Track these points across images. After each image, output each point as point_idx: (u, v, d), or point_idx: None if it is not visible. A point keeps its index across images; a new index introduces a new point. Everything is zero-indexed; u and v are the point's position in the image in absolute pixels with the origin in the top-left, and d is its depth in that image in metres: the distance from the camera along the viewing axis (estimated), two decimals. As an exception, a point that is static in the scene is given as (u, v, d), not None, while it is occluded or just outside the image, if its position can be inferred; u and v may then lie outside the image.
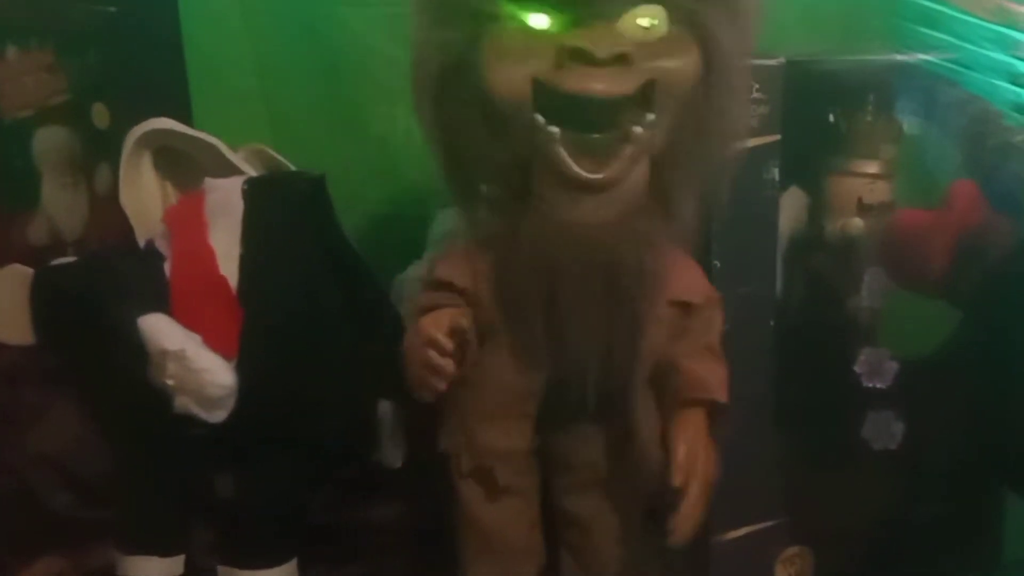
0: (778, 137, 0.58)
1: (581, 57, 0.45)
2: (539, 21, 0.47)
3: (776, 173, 0.59)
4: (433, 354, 0.50)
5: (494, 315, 0.53)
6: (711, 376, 0.54)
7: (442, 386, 0.51)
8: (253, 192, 0.58)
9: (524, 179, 0.50)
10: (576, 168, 0.47)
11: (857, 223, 0.64)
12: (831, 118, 0.66)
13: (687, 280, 0.54)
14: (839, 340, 0.64)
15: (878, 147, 0.65)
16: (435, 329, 0.50)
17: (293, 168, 0.67)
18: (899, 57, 0.62)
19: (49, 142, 0.75)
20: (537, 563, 0.59)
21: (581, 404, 0.54)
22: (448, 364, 0.50)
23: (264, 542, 0.61)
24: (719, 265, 0.59)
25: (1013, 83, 0.58)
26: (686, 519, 0.51)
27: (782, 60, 0.58)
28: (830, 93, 0.64)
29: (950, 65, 0.62)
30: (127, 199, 0.63)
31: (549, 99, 0.47)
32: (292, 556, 0.61)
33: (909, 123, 0.65)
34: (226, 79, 0.89)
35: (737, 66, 0.49)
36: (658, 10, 0.47)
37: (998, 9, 0.57)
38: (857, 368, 0.63)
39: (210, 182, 0.59)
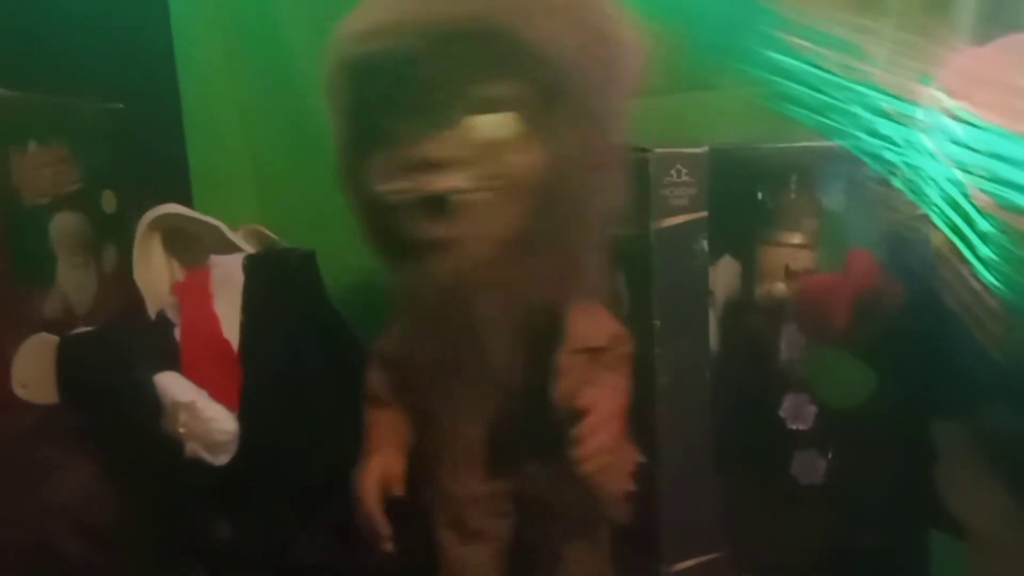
0: (705, 214, 0.65)
1: (426, 162, 0.52)
2: (396, 135, 0.53)
3: (705, 244, 0.65)
4: (371, 526, 0.56)
5: (429, 380, 0.58)
6: (606, 381, 0.58)
7: (387, 546, 0.57)
8: (252, 267, 0.65)
9: (400, 256, 0.56)
10: (427, 228, 0.53)
11: (781, 287, 0.69)
12: (759, 196, 0.71)
13: (589, 326, 0.58)
14: (767, 389, 0.69)
15: (800, 221, 0.70)
16: (365, 500, 0.56)
17: (286, 245, 0.74)
18: (817, 143, 0.65)
19: (64, 226, 0.79)
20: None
21: (524, 446, 0.59)
22: (382, 532, 0.56)
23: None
24: (659, 324, 0.65)
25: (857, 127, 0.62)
26: (589, 436, 0.53)
27: (706, 148, 0.65)
28: (757, 175, 0.70)
29: (857, 148, 0.68)
30: (139, 275, 0.70)
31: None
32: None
33: (828, 200, 0.70)
34: (223, 167, 0.95)
35: (584, 161, 0.54)
36: (500, 117, 0.53)
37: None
38: (781, 412, 0.68)
39: (215, 259, 0.66)
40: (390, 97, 0.52)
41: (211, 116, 0.95)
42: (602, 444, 0.54)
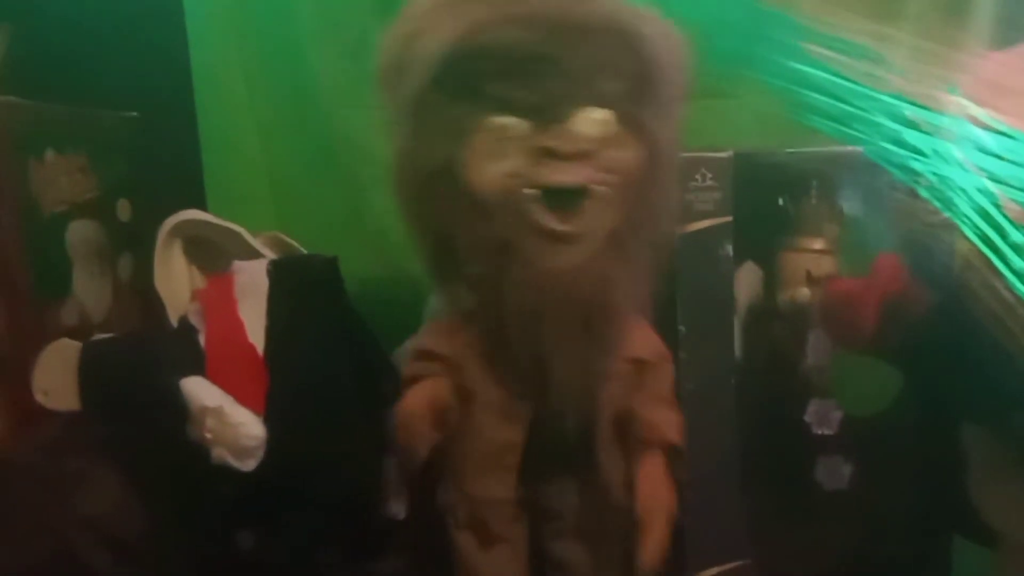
0: (730, 219, 0.66)
1: (549, 154, 0.53)
2: (510, 128, 0.54)
3: (730, 250, 0.66)
4: (413, 424, 0.56)
5: (475, 377, 0.59)
6: (666, 422, 0.59)
7: (423, 452, 0.57)
8: (276, 272, 0.65)
9: (502, 250, 0.56)
10: (552, 221, 0.54)
11: (804, 292, 0.69)
12: (780, 202, 0.71)
13: (641, 339, 0.60)
14: (792, 395, 0.69)
15: (822, 226, 0.70)
16: (414, 402, 0.56)
17: (305, 252, 0.74)
18: (837, 148, 0.67)
19: (80, 234, 0.79)
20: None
21: (558, 455, 0.59)
22: (425, 432, 0.56)
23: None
24: (684, 330, 0.66)
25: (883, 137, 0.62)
26: (653, 548, 0.56)
27: (730, 153, 0.66)
28: (778, 181, 0.70)
29: (880, 155, 0.68)
30: (160, 282, 0.70)
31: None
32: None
33: (849, 206, 0.70)
34: (238, 176, 0.96)
35: (671, 156, 0.57)
36: (606, 112, 0.54)
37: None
38: (807, 418, 0.69)
39: (238, 264, 0.66)
40: (514, 88, 0.53)
41: (226, 125, 0.96)
42: (662, 548, 0.57)
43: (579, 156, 0.53)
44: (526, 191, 0.53)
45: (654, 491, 0.57)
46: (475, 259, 0.57)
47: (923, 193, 0.59)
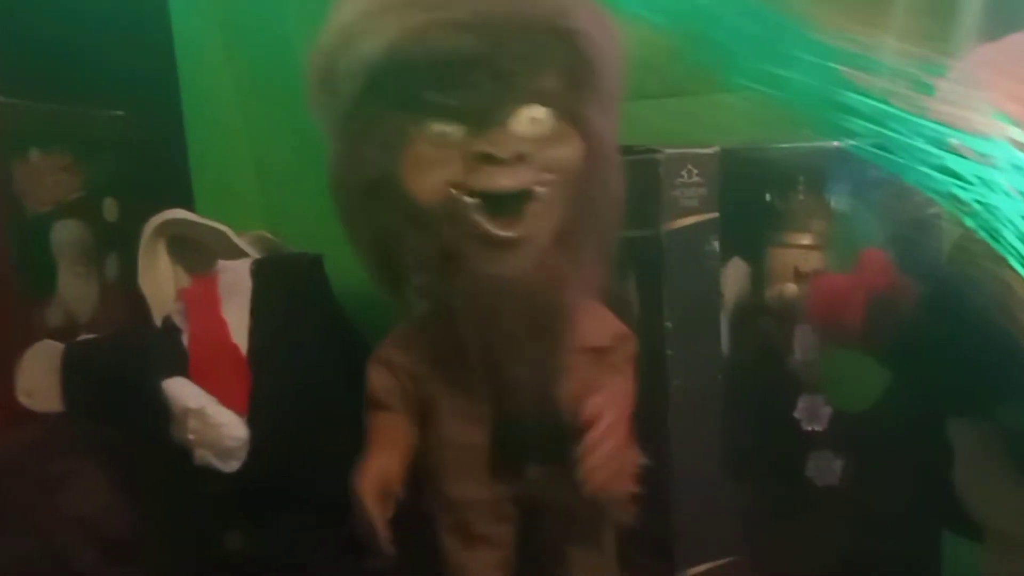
0: (716, 215, 0.65)
1: (486, 159, 0.51)
2: (446, 135, 0.52)
3: (716, 246, 0.65)
4: (364, 513, 0.54)
5: (434, 384, 0.58)
6: (610, 384, 0.57)
7: (383, 534, 0.55)
8: (260, 272, 0.65)
9: (447, 258, 0.54)
10: (494, 228, 0.52)
11: (792, 288, 0.69)
12: (767, 198, 0.71)
13: (598, 327, 0.59)
14: (781, 390, 0.69)
15: (809, 222, 0.70)
16: (363, 488, 0.54)
17: (291, 251, 0.74)
18: (824, 144, 0.66)
19: (65, 234, 0.80)
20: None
21: (528, 450, 0.58)
22: (378, 523, 0.54)
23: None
24: (670, 326, 0.65)
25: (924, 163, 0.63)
26: (592, 452, 0.53)
27: (716, 149, 0.65)
28: (765, 177, 0.69)
29: (868, 149, 0.66)
30: (145, 282, 0.70)
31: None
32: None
33: (836, 201, 0.70)
34: (225, 174, 0.95)
35: (613, 148, 0.56)
36: (542, 110, 0.53)
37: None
38: (796, 414, 0.68)
39: (222, 264, 0.66)
40: (444, 94, 0.52)
41: (213, 123, 0.96)
42: (607, 456, 0.54)
43: (517, 159, 0.52)
44: (466, 199, 0.52)
45: (598, 400, 0.55)
46: (420, 269, 0.56)
47: (968, 223, 0.58)
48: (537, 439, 0.58)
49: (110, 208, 0.85)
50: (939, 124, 0.57)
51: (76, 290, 0.81)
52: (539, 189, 0.53)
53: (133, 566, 0.65)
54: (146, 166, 0.89)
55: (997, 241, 0.55)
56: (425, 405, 0.59)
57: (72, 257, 0.81)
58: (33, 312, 0.77)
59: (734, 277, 0.71)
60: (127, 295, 0.80)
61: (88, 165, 0.83)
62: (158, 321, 0.68)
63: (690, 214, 0.65)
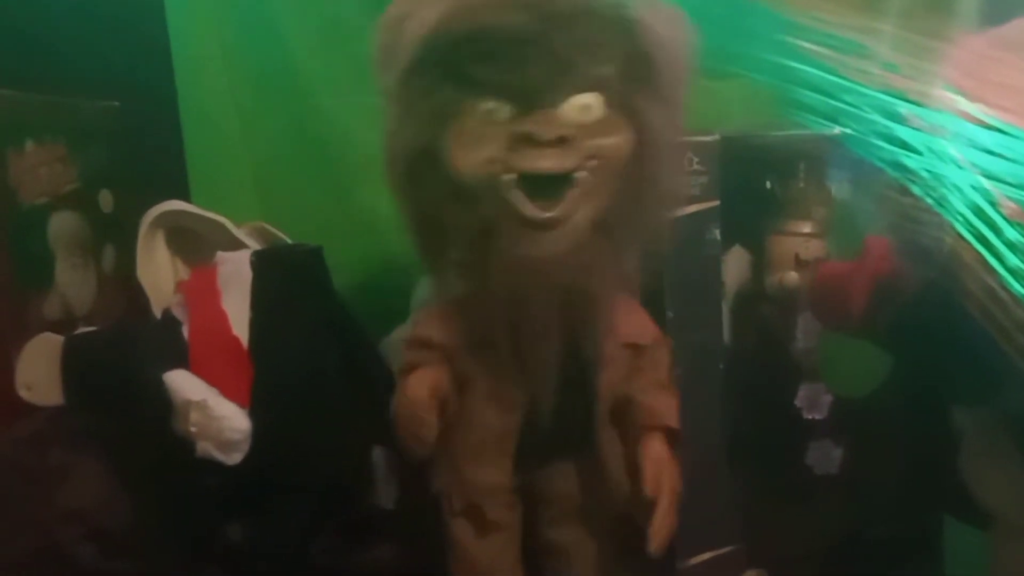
0: (717, 203, 0.65)
1: (528, 140, 0.51)
2: (494, 112, 0.53)
3: (717, 234, 0.66)
4: (418, 412, 0.55)
5: (469, 364, 0.58)
6: (665, 407, 0.59)
7: (430, 440, 0.56)
8: (260, 263, 0.64)
9: (487, 235, 0.55)
10: (531, 209, 0.53)
11: (793, 276, 0.69)
12: (768, 185, 0.71)
13: (636, 324, 0.60)
14: (782, 379, 0.69)
15: (810, 209, 0.70)
16: (418, 390, 0.55)
17: (290, 242, 0.73)
18: (825, 130, 0.66)
19: (62, 226, 0.78)
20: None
21: (554, 440, 0.59)
22: (432, 421, 0.55)
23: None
24: (672, 315, 0.65)
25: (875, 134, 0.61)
26: (661, 527, 0.55)
27: (717, 136, 0.65)
28: (766, 164, 0.70)
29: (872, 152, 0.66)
30: (143, 274, 0.69)
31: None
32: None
33: (838, 188, 0.70)
34: (222, 165, 0.95)
35: (666, 141, 0.55)
36: (594, 97, 0.53)
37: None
38: (797, 402, 0.69)
39: (222, 255, 0.65)
40: (499, 72, 0.52)
41: (209, 113, 0.95)
42: (671, 524, 0.56)
43: (560, 142, 0.52)
44: (505, 177, 0.52)
45: (660, 471, 0.57)
46: (460, 244, 0.57)
47: (915, 190, 0.58)
48: (567, 432, 0.58)
49: (106, 200, 0.84)
50: (889, 94, 0.58)
51: (73, 282, 0.79)
52: (580, 175, 0.53)
53: (133, 559, 0.65)
54: (142, 157, 0.88)
55: (944, 209, 0.55)
56: (458, 385, 0.58)
57: (69, 249, 0.79)
58: (31, 305, 0.75)
59: (735, 265, 0.72)
60: (125, 287, 0.79)
61: (83, 156, 0.81)
62: (157, 313, 0.68)
63: (691, 202, 0.65)
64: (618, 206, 0.55)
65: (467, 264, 0.57)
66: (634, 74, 0.53)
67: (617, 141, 0.54)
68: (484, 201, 0.53)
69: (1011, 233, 0.53)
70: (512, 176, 0.52)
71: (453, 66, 0.52)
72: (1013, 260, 0.52)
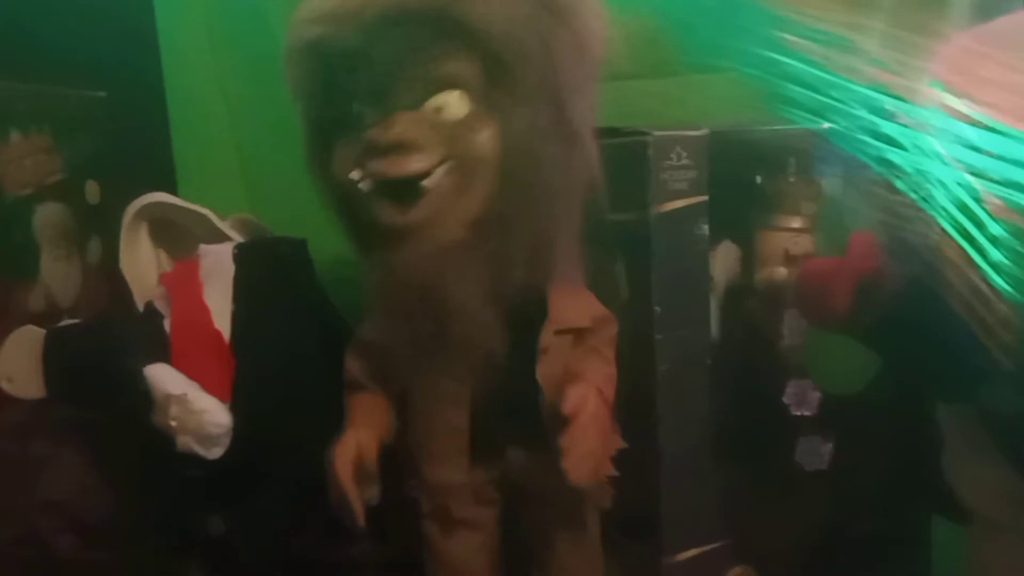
0: (706, 198, 0.64)
1: (372, 146, 0.51)
2: (361, 118, 0.52)
3: (706, 229, 0.65)
4: (344, 496, 0.54)
5: (411, 365, 0.57)
6: (595, 372, 0.57)
7: (359, 516, 0.55)
8: (243, 256, 0.64)
9: (364, 240, 0.56)
10: (389, 214, 0.52)
11: (782, 272, 0.69)
12: (757, 180, 0.70)
13: (573, 308, 0.58)
14: (770, 374, 0.69)
15: (800, 204, 0.69)
16: (342, 469, 0.54)
17: (275, 234, 0.73)
18: (814, 125, 0.65)
19: (47, 217, 0.78)
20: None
21: (507, 434, 0.58)
22: (357, 507, 0.54)
23: (253, 577, 0.65)
24: (659, 310, 0.64)
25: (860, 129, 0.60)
26: (572, 443, 0.53)
27: (706, 131, 0.64)
28: (755, 159, 0.69)
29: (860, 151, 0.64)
30: (126, 266, 0.69)
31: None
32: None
33: (826, 183, 0.69)
34: (209, 156, 0.94)
35: (540, 138, 0.53)
36: (455, 96, 0.52)
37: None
38: (785, 399, 0.68)
39: (204, 248, 0.65)
40: (347, 81, 0.52)
41: (196, 104, 0.95)
42: (590, 448, 0.54)
43: (400, 147, 0.51)
44: (362, 184, 0.52)
45: (584, 397, 0.54)
46: (353, 247, 0.57)
47: (901, 186, 0.58)
48: (516, 421, 0.57)
49: (92, 191, 0.84)
50: (875, 89, 0.57)
51: (58, 274, 0.79)
52: (434, 177, 0.52)
53: (114, 551, 0.65)
54: (128, 148, 0.88)
55: (929, 205, 0.55)
56: (403, 386, 0.58)
57: (54, 240, 0.79)
58: (15, 297, 0.75)
59: (724, 260, 0.71)
60: (110, 279, 0.79)
61: (69, 146, 0.81)
62: (140, 306, 0.67)
63: (679, 197, 0.64)
64: (502, 202, 0.53)
65: (368, 267, 0.57)
66: (492, 70, 0.52)
67: (481, 139, 0.52)
68: (355, 207, 0.54)
69: (994, 228, 0.52)
70: (369, 183, 0.52)
71: (310, 76, 0.53)
72: (996, 255, 0.52)
